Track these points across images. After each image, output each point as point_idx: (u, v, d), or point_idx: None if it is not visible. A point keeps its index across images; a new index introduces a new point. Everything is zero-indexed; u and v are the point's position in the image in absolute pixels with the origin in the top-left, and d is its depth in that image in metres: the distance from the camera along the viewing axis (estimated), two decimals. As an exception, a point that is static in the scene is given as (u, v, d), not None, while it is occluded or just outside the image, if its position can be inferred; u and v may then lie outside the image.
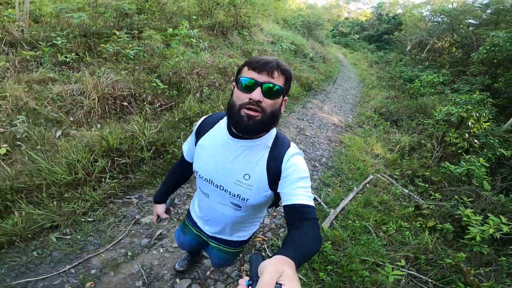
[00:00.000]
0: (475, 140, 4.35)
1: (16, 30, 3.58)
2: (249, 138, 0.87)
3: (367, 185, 3.33)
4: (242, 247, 1.28)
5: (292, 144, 0.92)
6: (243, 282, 0.51)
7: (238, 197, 0.92)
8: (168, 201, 1.27)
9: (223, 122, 0.93)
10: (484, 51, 6.42)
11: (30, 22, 4.01)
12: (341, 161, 3.64)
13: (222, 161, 0.91)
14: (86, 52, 3.64)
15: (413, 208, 3.05)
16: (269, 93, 0.78)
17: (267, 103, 0.78)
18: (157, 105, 3.13)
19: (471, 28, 11.50)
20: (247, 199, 0.92)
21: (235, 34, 6.78)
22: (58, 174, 2.09)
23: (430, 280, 2.20)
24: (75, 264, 1.77)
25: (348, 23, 30.99)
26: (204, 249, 1.41)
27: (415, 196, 3.36)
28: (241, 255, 2.01)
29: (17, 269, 1.71)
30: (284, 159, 0.86)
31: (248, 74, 0.79)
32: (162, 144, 2.63)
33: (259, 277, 0.48)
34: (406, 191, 3.41)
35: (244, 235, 1.19)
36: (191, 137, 1.07)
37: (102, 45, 3.40)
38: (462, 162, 3.55)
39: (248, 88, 0.78)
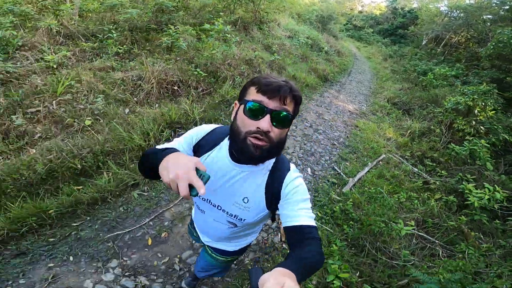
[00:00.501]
0: (481, 127, 4.79)
1: (71, 24, 4.23)
2: (251, 163, 0.84)
3: (380, 162, 3.85)
4: (235, 257, 1.27)
5: (292, 167, 0.91)
6: None
7: (236, 217, 0.92)
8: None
9: (224, 144, 0.88)
10: (491, 46, 6.78)
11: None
12: (356, 141, 4.18)
13: (221, 183, 0.88)
14: (135, 44, 4.27)
15: (421, 183, 3.56)
16: (280, 122, 0.73)
17: (275, 132, 0.74)
18: (200, 90, 3.73)
19: (488, 24, 11.68)
20: (244, 219, 0.92)
21: (255, 29, 7.32)
22: (136, 140, 2.71)
23: (436, 241, 2.67)
24: (152, 217, 2.16)
25: (361, 17, 30.94)
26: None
27: (423, 174, 3.86)
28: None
29: (108, 223, 2.06)
30: (284, 183, 0.85)
31: (256, 97, 0.73)
32: (208, 120, 3.24)
33: None
34: (416, 169, 3.92)
35: (239, 245, 1.18)
36: (185, 143, 0.93)
37: (161, 38, 4.03)
38: (465, 143, 4.03)
39: (256, 114, 0.72)
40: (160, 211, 2.28)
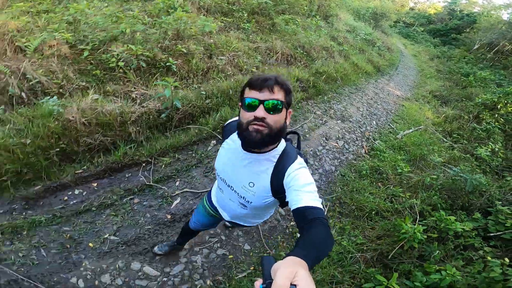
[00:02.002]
0: (501, 118, 6.54)
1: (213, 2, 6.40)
2: (257, 152, 1.02)
3: (420, 129, 5.78)
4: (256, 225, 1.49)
5: (298, 159, 1.03)
6: (258, 284, 0.53)
7: (244, 199, 1.12)
8: None
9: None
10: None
11: None
12: (403, 113, 6.14)
13: (234, 166, 1.10)
14: (252, 23, 6.39)
15: (448, 145, 5.47)
16: (272, 109, 0.90)
17: (271, 118, 0.90)
18: (302, 63, 5.84)
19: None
20: (251, 202, 1.11)
21: (322, 22, 9.25)
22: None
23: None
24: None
25: (412, 14, 31.27)
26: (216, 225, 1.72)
27: (450, 142, 5.76)
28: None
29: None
30: (286, 173, 0.98)
31: (250, 94, 0.92)
32: (306, 81, 5.35)
33: (272, 279, 0.49)
34: (445, 140, 5.81)
35: (255, 222, 1.42)
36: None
37: (279, 19, 6.17)
38: (484, 122, 5.87)
39: (252, 107, 0.90)
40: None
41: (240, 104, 0.97)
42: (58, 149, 2.53)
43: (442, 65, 15.01)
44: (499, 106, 6.68)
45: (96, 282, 1.95)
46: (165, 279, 2.00)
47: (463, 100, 8.04)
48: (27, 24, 3.29)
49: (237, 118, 1.14)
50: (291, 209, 0.90)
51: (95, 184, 2.53)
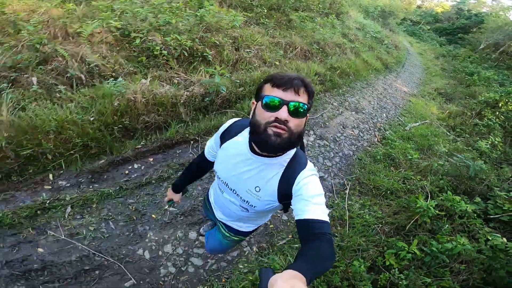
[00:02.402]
0: (501, 115, 7.00)
1: None
2: (267, 156, 0.95)
3: (426, 123, 6.25)
4: (245, 237, 1.46)
5: (309, 165, 0.98)
6: None
7: (247, 203, 1.07)
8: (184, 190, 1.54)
9: (246, 132, 1.02)
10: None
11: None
12: (410, 108, 6.60)
13: (238, 170, 1.03)
14: (270, 19, 6.80)
15: (452, 139, 5.94)
16: (296, 112, 0.83)
17: (293, 122, 0.84)
18: (318, 58, 6.27)
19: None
20: (254, 206, 1.06)
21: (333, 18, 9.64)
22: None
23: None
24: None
25: (419, 12, 31.47)
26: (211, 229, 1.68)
27: (454, 135, 6.23)
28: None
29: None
30: (296, 181, 0.94)
31: (272, 92, 0.84)
32: (323, 75, 5.79)
33: None
34: (449, 134, 6.28)
35: (251, 226, 1.37)
36: (215, 138, 1.20)
37: (294, 16, 6.59)
38: (485, 119, 6.34)
39: (273, 107, 0.83)
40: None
41: (254, 101, 0.93)
42: (120, 126, 2.98)
43: (447, 63, 15.42)
44: (500, 104, 7.15)
45: (160, 253, 2.10)
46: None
47: (467, 98, 8.51)
48: (70, 12, 3.68)
49: (239, 119, 1.14)
50: (296, 219, 0.88)
51: (151, 159, 2.95)
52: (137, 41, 3.51)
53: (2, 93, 2.59)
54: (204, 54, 3.95)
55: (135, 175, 2.70)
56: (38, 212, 2.15)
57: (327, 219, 0.86)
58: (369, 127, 4.88)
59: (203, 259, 2.17)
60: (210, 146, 1.25)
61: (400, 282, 2.12)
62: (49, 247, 1.98)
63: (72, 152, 2.64)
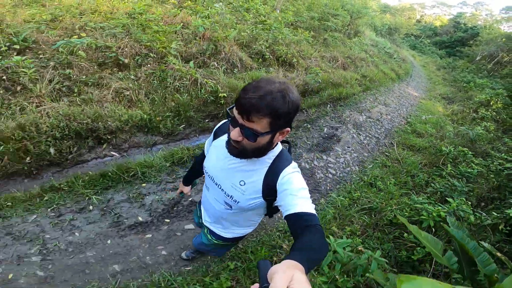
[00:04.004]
0: (493, 112, 9.42)
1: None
2: None
3: (435, 116, 8.60)
4: (229, 243, 1.54)
5: (293, 163, 1.06)
6: None
7: (231, 198, 1.14)
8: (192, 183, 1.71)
9: None
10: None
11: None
12: (422, 107, 8.99)
13: (225, 164, 1.12)
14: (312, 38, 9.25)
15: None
16: (247, 135, 0.88)
17: (246, 142, 0.91)
18: (351, 69, 8.69)
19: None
20: (238, 202, 1.12)
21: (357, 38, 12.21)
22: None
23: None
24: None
25: (419, 26, 34.72)
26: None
27: (456, 125, 8.59)
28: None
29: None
30: (281, 176, 1.01)
31: (235, 109, 0.88)
32: (356, 80, 8.17)
33: (269, 283, 0.52)
34: (453, 124, 8.64)
35: (235, 233, 1.42)
36: (210, 136, 1.33)
37: (328, 35, 9.07)
38: (480, 113, 8.73)
39: (232, 124, 0.92)
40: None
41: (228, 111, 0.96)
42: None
43: (447, 74, 18.08)
44: (491, 103, 9.58)
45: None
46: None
47: (465, 100, 10.96)
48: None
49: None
50: (285, 214, 0.93)
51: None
52: (263, 47, 5.81)
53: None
54: (293, 61, 6.31)
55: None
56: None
57: (314, 212, 0.92)
58: (397, 115, 7.24)
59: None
60: (207, 143, 1.37)
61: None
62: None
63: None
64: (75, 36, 3.62)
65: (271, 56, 5.99)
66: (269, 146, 0.97)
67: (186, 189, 1.67)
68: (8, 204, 2.41)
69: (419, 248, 2.53)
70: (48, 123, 2.70)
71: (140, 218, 2.55)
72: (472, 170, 4.35)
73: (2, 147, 2.50)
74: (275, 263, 0.73)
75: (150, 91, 3.70)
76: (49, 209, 2.45)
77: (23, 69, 2.97)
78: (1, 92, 2.87)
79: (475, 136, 5.87)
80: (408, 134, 6.13)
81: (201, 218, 1.54)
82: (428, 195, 3.65)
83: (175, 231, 2.54)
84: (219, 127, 1.26)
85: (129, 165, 2.90)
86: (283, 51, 6.13)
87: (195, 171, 1.59)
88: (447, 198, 3.28)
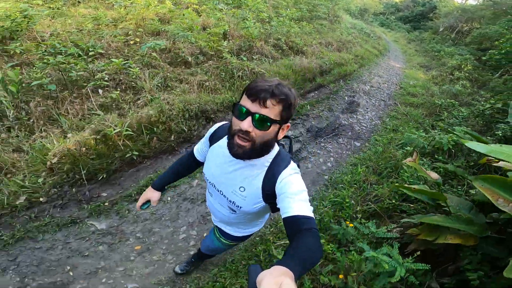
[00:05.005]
0: (466, 73, 11.25)
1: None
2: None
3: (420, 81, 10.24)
4: (237, 242, 1.57)
5: (291, 164, 1.07)
6: None
7: (233, 203, 1.16)
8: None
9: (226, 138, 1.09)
10: (476, 34, 13.36)
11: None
12: (407, 75, 10.63)
13: (223, 171, 1.14)
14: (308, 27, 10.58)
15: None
16: (260, 124, 0.91)
17: (257, 133, 0.93)
18: (344, 50, 10.11)
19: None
20: (240, 207, 1.15)
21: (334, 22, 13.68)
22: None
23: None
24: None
25: (383, 4, 36.93)
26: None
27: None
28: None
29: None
30: (279, 179, 1.03)
31: (244, 102, 0.92)
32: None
33: None
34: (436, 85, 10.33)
35: (243, 232, 1.46)
36: (205, 140, 1.33)
37: (317, 24, 10.45)
38: (455, 75, 10.49)
39: (241, 116, 0.92)
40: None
41: (232, 109, 0.98)
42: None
43: (418, 46, 20.09)
44: (462, 66, 11.41)
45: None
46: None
47: (440, 66, 12.78)
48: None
49: (226, 122, 1.26)
50: (283, 217, 0.94)
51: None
52: (270, 42, 7.07)
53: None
54: (304, 49, 7.60)
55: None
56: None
57: (312, 215, 0.92)
58: (391, 83, 8.77)
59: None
60: (199, 145, 1.38)
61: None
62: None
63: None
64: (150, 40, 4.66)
65: (287, 47, 7.25)
66: (274, 141, 1.02)
67: (156, 196, 1.46)
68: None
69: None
70: (177, 108, 3.82)
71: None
72: (463, 113, 5.89)
73: (155, 128, 3.60)
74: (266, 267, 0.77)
75: (222, 81, 4.86)
76: (198, 174, 3.28)
77: (131, 69, 3.96)
78: (126, 88, 3.94)
79: (457, 91, 7.47)
80: (405, 96, 7.64)
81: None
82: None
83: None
84: (214, 131, 1.27)
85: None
86: (295, 42, 7.41)
87: (176, 173, 1.49)
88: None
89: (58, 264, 2.50)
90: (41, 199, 2.86)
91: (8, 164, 2.87)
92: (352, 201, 2.80)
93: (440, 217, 1.96)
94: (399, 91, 8.04)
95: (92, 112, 3.59)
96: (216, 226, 1.54)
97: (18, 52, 3.71)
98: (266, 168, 1.07)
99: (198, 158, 1.40)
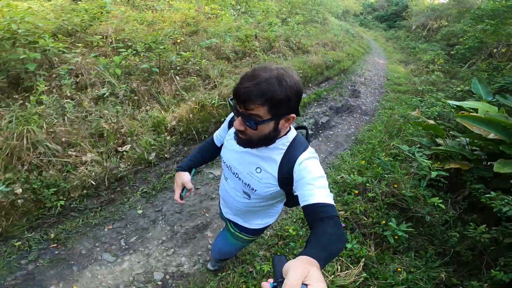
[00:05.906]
0: (439, 66, 13.37)
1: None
2: None
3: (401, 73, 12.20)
4: (254, 236, 1.57)
5: (309, 149, 1.07)
6: (267, 285, 0.57)
7: (248, 186, 1.19)
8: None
9: None
10: (444, 32, 15.70)
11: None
12: (390, 69, 12.57)
13: (241, 153, 1.17)
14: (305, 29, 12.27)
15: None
16: (249, 124, 0.92)
17: (249, 131, 0.95)
18: (337, 49, 11.89)
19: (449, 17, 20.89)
20: (255, 190, 1.17)
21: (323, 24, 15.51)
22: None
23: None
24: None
25: (360, 5, 39.35)
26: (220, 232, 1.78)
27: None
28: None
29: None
30: (296, 163, 1.02)
31: (233, 100, 0.93)
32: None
33: (283, 279, 0.53)
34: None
35: (258, 224, 1.46)
36: (223, 125, 1.39)
37: (310, 27, 12.21)
38: (430, 67, 12.57)
39: (234, 113, 0.97)
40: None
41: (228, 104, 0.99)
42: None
43: (395, 44, 22.43)
44: (436, 60, 13.56)
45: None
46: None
47: (417, 61, 14.93)
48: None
49: None
50: (302, 205, 0.94)
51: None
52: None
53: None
54: (309, 49, 9.25)
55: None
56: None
57: (332, 202, 0.91)
58: (380, 76, 10.64)
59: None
60: (218, 134, 1.44)
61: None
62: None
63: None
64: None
65: (296, 47, 8.89)
66: (276, 133, 1.01)
67: (187, 177, 1.37)
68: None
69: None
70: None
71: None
72: (441, 95, 7.77)
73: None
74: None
75: (261, 75, 6.37)
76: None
77: (199, 60, 5.32)
78: (197, 78, 5.34)
79: (433, 80, 9.41)
80: (393, 85, 9.49)
81: (223, 214, 1.58)
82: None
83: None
84: (232, 118, 1.30)
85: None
86: (302, 43, 9.07)
87: (200, 157, 1.49)
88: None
89: (195, 209, 2.97)
90: (166, 155, 3.92)
91: (131, 128, 3.63)
92: (379, 149, 4.40)
93: (444, 147, 3.43)
94: (387, 82, 9.89)
95: (177, 92, 4.82)
96: (230, 222, 1.55)
97: (95, 44, 4.48)
98: (283, 152, 1.08)
99: (216, 143, 1.46)
